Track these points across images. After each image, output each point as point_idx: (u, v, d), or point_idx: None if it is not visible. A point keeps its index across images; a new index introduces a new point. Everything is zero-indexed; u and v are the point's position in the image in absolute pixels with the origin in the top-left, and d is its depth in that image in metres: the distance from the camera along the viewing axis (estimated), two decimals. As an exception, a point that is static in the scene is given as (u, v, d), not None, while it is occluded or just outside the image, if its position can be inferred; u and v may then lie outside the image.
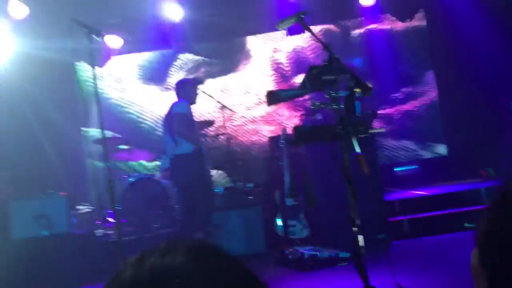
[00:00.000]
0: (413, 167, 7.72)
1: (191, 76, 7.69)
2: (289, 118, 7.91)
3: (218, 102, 6.25)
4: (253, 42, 8.20)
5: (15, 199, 5.57)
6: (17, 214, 5.31)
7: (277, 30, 4.34)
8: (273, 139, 6.45)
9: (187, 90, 5.24)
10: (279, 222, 5.38)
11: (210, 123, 6.05)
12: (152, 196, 5.85)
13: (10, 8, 6.27)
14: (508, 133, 6.21)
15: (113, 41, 7.65)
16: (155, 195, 5.87)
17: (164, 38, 7.54)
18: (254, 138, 8.11)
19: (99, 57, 7.97)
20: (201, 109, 7.77)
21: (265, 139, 7.47)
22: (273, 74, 8.16)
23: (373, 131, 2.89)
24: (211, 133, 6.56)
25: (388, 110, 7.94)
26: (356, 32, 8.05)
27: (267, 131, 7.97)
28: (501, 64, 6.84)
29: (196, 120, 5.69)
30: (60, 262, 5.13)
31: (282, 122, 7.82)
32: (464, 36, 7.04)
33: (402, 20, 7.87)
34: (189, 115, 5.10)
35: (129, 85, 8.27)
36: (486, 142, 6.82)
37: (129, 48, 7.85)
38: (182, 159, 4.97)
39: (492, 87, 6.88)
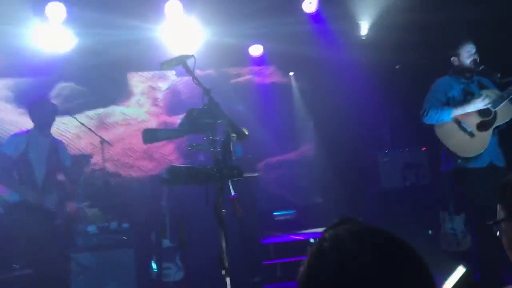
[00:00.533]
0: (291, 212, 8.04)
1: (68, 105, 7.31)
2: (172, 154, 7.87)
3: (97, 135, 6.02)
4: (135, 78, 8.17)
5: None
6: None
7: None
8: (154, 177, 6.35)
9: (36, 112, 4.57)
10: (154, 264, 5.23)
11: (87, 157, 5.79)
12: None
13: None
14: (374, 183, 6.77)
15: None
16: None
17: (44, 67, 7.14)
18: (135, 174, 7.89)
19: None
20: (79, 142, 7.41)
21: (146, 176, 7.32)
22: (151, 111, 8.13)
23: (247, 175, 2.98)
24: (88, 168, 6.26)
25: (270, 159, 8.27)
26: (240, 79, 8.40)
27: (148, 168, 7.82)
28: (372, 119, 7.55)
29: (72, 153, 5.39)
30: None
31: (165, 158, 7.75)
32: (342, 92, 7.66)
33: (286, 73, 8.37)
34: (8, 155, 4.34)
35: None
36: (356, 191, 7.35)
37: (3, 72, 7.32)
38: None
39: (362, 140, 7.52)
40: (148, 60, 6.95)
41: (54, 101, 4.89)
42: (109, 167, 6.85)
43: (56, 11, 6.02)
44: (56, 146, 4.67)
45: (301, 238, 6.34)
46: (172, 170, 2.79)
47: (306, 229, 7.05)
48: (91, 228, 5.50)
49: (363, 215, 6.30)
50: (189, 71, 3.04)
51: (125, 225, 5.62)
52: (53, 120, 4.64)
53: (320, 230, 5.70)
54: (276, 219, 7.86)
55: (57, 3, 6.00)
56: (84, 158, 6.29)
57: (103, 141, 5.85)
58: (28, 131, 4.56)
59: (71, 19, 6.19)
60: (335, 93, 7.70)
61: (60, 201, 4.60)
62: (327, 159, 8.11)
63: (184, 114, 2.98)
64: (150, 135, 2.79)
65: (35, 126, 4.54)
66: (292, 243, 6.26)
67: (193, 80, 3.01)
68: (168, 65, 3.10)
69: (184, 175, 2.80)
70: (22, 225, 4.21)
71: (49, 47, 6.44)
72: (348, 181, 7.59)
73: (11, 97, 7.62)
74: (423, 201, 6.13)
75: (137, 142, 7.91)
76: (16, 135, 4.51)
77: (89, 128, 5.82)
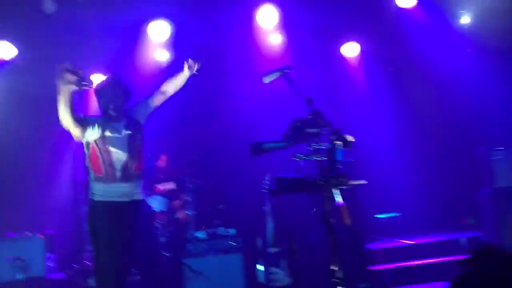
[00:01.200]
0: (395, 214, 7.77)
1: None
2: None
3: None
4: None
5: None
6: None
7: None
8: (255, 184, 6.47)
9: None
10: (261, 269, 5.33)
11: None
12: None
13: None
14: (486, 183, 6.33)
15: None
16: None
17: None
18: (237, 181, 8.11)
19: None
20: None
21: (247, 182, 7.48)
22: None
23: (354, 182, 2.94)
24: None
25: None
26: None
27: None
28: (482, 114, 7.07)
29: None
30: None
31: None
32: (445, 87, 7.27)
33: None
34: None
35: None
36: (466, 192, 6.93)
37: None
38: None
39: (471, 137, 7.06)
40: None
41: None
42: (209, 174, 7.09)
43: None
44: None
45: (409, 243, 6.10)
46: (279, 180, 2.83)
47: (411, 233, 6.78)
48: (200, 234, 5.74)
49: (475, 218, 5.92)
50: (290, 82, 3.07)
51: (232, 230, 5.80)
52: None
53: (426, 236, 5.39)
54: (379, 221, 7.64)
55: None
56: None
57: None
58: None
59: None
60: (438, 89, 7.33)
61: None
62: (432, 159, 7.73)
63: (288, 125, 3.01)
64: (257, 148, 2.85)
65: None
66: (399, 248, 6.05)
67: (294, 90, 3.03)
68: (269, 77, 3.16)
69: (291, 185, 2.82)
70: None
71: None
72: (457, 182, 7.18)
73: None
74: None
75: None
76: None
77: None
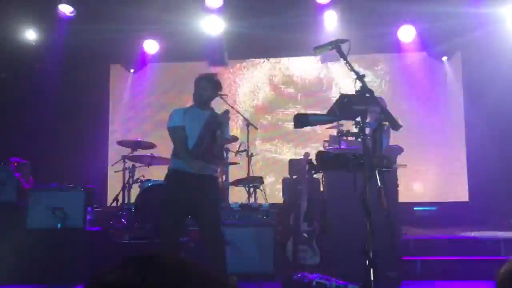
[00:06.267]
0: (432, 208, 7.61)
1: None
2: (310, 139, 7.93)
3: (243, 117, 6.30)
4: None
5: (33, 189, 5.67)
6: (34, 204, 5.39)
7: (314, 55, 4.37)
8: (293, 162, 6.45)
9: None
10: (291, 245, 5.34)
11: (234, 138, 6.07)
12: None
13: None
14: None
15: (150, 46, 7.82)
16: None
17: (201, 50, 7.65)
18: (274, 158, 8.13)
19: (135, 62, 8.18)
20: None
21: (285, 160, 7.49)
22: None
23: (397, 165, 2.87)
24: (234, 148, 6.58)
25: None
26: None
27: (289, 153, 8.01)
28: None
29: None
30: (71, 256, 5.18)
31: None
32: (496, 82, 6.97)
33: (439, 59, 7.81)
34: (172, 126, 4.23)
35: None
36: (509, 192, 6.69)
37: (164, 57, 8.00)
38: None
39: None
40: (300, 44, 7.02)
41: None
42: (253, 149, 7.12)
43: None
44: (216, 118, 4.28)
45: (444, 237, 5.96)
46: (321, 156, 2.79)
47: (447, 227, 6.63)
48: (234, 205, 5.79)
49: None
50: (343, 56, 3.00)
51: (266, 204, 5.82)
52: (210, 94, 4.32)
53: (464, 230, 5.23)
54: (417, 214, 7.51)
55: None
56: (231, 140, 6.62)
57: (248, 123, 6.10)
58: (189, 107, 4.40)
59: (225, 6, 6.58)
60: (490, 81, 7.03)
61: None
62: (478, 154, 7.48)
63: (335, 101, 2.95)
64: (301, 120, 2.81)
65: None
66: (434, 241, 5.93)
67: (346, 64, 2.96)
68: (322, 49, 3.10)
69: (333, 161, 2.78)
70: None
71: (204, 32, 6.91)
72: (500, 181, 6.94)
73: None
74: None
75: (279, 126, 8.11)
76: (176, 110, 4.37)
77: (237, 110, 6.10)
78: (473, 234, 6.12)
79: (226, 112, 4.28)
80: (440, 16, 6.69)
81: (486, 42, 7.06)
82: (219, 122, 4.19)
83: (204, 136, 4.15)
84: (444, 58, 7.81)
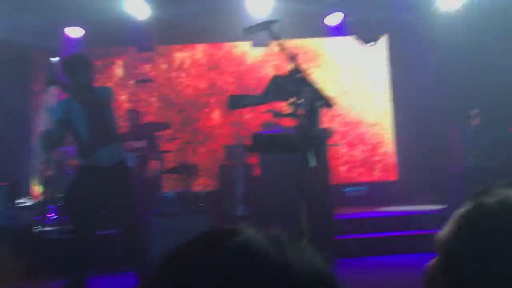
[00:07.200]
0: (361, 188, 7.87)
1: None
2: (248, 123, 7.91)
3: (176, 105, 6.16)
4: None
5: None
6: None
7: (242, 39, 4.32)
8: (228, 147, 6.41)
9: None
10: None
11: (166, 126, 5.93)
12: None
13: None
14: (456, 162, 6.43)
15: (74, 32, 7.44)
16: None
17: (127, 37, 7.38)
18: (209, 143, 8.04)
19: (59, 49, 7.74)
20: (156, 112, 7.62)
21: (219, 145, 7.43)
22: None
23: (331, 145, 2.90)
24: (166, 136, 6.43)
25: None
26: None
27: (221, 137, 7.95)
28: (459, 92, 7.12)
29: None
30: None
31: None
32: (424, 57, 7.28)
33: (366, 44, 8.03)
34: None
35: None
36: (435, 170, 7.04)
37: (89, 41, 7.64)
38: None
39: (444, 115, 7.13)
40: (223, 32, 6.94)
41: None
42: (186, 136, 6.99)
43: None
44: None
45: (374, 214, 6.19)
46: (257, 138, 2.76)
47: (379, 206, 6.89)
48: (169, 194, 5.67)
49: (443, 196, 6.01)
50: (274, 36, 2.97)
51: (201, 192, 5.75)
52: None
53: (394, 208, 5.45)
54: (347, 195, 7.74)
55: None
56: (162, 126, 6.46)
57: (180, 110, 5.97)
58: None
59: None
60: (417, 56, 7.32)
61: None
62: (405, 135, 7.81)
63: (268, 81, 2.93)
64: (235, 101, 2.76)
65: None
66: (365, 220, 6.13)
67: (278, 45, 2.93)
68: (252, 30, 3.05)
69: (269, 142, 2.76)
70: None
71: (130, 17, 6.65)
72: (427, 158, 7.28)
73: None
74: None
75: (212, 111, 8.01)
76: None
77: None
78: (401, 209, 6.40)
79: None
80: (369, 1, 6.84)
81: (414, 26, 7.32)
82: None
83: None
84: (371, 44, 8.05)
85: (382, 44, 8.08)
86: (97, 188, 3.70)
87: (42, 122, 7.73)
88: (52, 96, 3.36)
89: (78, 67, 3.62)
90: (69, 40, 7.50)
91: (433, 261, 0.85)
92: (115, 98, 3.96)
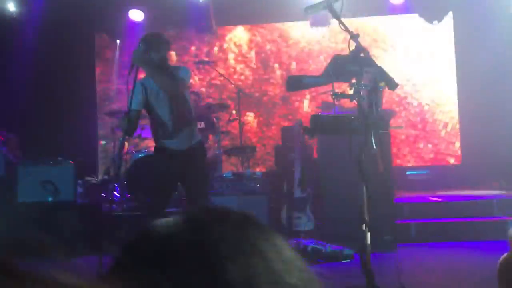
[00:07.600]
0: (424, 172, 7.63)
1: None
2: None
3: (235, 85, 6.19)
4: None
5: (22, 163, 5.56)
6: (24, 178, 5.30)
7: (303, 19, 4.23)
8: (286, 129, 6.38)
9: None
10: (285, 212, 5.31)
11: (225, 106, 5.98)
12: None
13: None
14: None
15: (136, 15, 7.62)
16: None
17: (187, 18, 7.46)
18: (267, 126, 8.05)
19: (121, 32, 7.97)
20: (217, 92, 7.69)
21: (277, 129, 7.41)
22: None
23: (393, 127, 2.80)
24: (225, 117, 6.48)
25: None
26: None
27: (279, 119, 7.93)
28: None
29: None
30: (62, 230, 5.12)
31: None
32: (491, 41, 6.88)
33: (430, 22, 7.67)
34: None
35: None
36: (500, 154, 6.70)
37: (150, 26, 7.79)
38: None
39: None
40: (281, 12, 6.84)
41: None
42: (244, 118, 7.03)
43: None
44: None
45: (438, 199, 5.97)
46: (316, 119, 2.71)
47: (441, 190, 6.65)
48: (227, 174, 5.74)
49: (507, 182, 5.68)
50: (336, 15, 2.88)
51: (259, 173, 5.78)
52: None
53: (457, 192, 5.24)
54: (410, 178, 7.53)
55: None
56: (221, 107, 6.52)
57: (239, 91, 5.99)
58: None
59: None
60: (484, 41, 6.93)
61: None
62: (470, 118, 7.45)
63: (329, 61, 2.86)
64: (294, 82, 2.72)
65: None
66: (428, 204, 5.94)
67: (339, 25, 2.85)
68: (313, 9, 2.97)
69: (328, 125, 2.70)
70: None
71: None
72: (490, 143, 6.93)
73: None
74: None
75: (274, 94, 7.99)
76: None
77: (227, 79, 5.98)
78: (465, 194, 6.15)
79: None
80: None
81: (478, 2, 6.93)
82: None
83: None
84: (435, 22, 7.69)
85: (448, 24, 7.69)
86: (178, 170, 3.75)
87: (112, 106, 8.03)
88: (130, 78, 3.37)
89: (162, 44, 3.67)
90: (132, 23, 7.70)
91: (507, 254, 0.80)
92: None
